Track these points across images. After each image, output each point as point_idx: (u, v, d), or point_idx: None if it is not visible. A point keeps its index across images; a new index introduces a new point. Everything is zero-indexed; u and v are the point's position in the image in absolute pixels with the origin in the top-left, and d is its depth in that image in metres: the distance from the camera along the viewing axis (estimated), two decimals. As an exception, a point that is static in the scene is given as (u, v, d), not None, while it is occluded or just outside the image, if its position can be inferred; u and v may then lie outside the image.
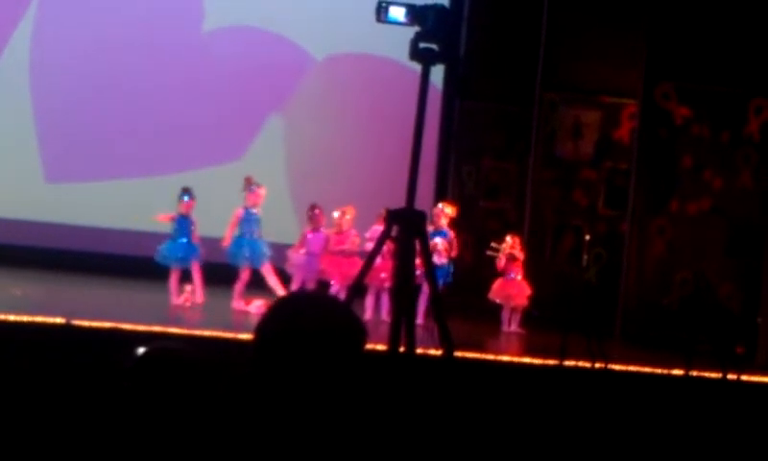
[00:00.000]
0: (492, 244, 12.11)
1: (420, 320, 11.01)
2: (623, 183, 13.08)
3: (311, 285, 11.73)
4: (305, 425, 2.62)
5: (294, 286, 11.58)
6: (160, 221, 11.59)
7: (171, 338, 8.33)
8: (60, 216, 14.10)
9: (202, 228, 11.68)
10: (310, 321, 2.68)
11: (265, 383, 2.65)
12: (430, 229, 11.04)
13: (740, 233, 12.35)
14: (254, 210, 11.63)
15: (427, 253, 6.19)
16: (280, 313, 2.73)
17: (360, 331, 2.75)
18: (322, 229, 11.88)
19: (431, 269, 6.43)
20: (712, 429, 8.17)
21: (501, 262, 12.01)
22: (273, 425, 2.62)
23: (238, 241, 11.55)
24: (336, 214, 11.83)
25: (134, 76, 14.35)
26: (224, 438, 2.65)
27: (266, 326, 2.71)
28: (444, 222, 11.76)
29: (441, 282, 10.54)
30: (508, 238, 12.13)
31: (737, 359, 10.47)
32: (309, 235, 11.86)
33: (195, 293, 11.55)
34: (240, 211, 11.60)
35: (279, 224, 12.18)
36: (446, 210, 11.88)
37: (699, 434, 8.11)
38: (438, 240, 11.36)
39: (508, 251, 12.00)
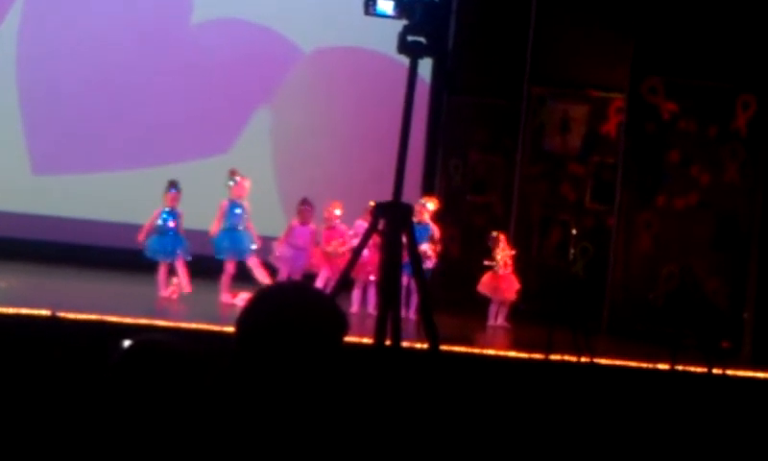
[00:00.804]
0: (497, 257, 12.09)
1: (410, 313, 11.12)
2: (610, 178, 13.10)
3: (297, 278, 11.73)
4: (287, 417, 2.62)
5: (280, 278, 11.58)
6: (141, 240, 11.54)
7: (157, 330, 8.32)
8: (46, 208, 14.07)
9: (188, 220, 11.67)
10: (290, 312, 2.68)
11: (247, 375, 2.64)
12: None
13: (727, 227, 12.38)
14: (240, 202, 11.62)
15: (413, 246, 6.18)
16: (261, 305, 2.73)
17: (340, 322, 2.75)
18: (310, 223, 11.89)
19: (418, 263, 6.43)
20: (698, 424, 8.19)
21: (500, 267, 12.04)
22: (255, 417, 2.62)
23: (221, 234, 11.55)
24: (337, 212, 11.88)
25: (122, 68, 14.32)
26: (208, 431, 2.64)
27: (247, 317, 2.71)
28: (426, 216, 11.76)
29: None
30: (501, 244, 12.09)
31: (723, 354, 10.49)
32: (296, 228, 11.86)
33: (181, 284, 11.54)
34: (225, 203, 11.60)
35: (266, 217, 12.17)
36: (428, 205, 11.89)
37: (685, 429, 8.13)
38: (425, 247, 11.35)
39: (502, 255, 12.02)
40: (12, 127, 14.22)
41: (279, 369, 2.62)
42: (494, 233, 12.22)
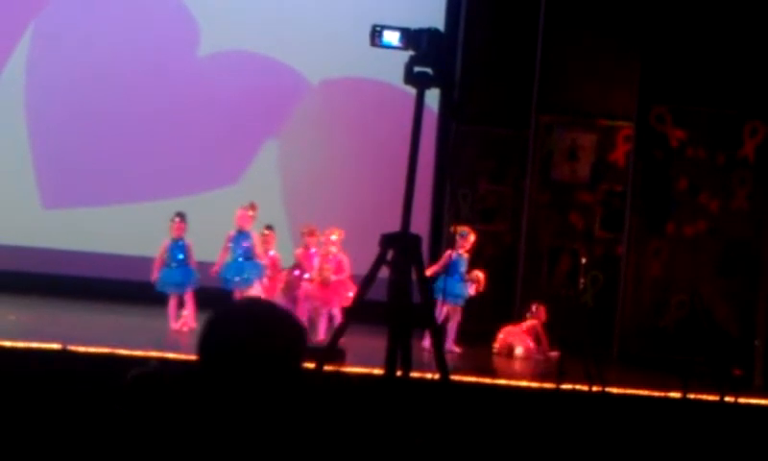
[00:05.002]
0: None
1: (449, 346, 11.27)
2: (619, 206, 13.09)
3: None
4: (254, 437, 2.62)
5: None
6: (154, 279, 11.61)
7: (150, 361, 8.31)
8: (56, 242, 14.10)
9: (199, 252, 11.68)
10: (246, 327, 2.67)
11: (213, 398, 2.64)
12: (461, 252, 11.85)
13: (734, 253, 12.36)
14: (245, 231, 11.63)
15: (423, 277, 6.17)
16: (216, 326, 2.73)
17: (298, 331, 2.74)
18: (270, 250, 11.90)
19: (428, 293, 6.42)
20: (710, 452, 8.15)
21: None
22: (226, 440, 2.61)
23: (225, 264, 11.57)
24: (333, 237, 11.82)
25: (130, 101, 14.37)
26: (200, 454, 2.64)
27: (205, 341, 2.71)
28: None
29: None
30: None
31: (735, 381, 10.45)
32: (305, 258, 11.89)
33: (188, 318, 11.54)
34: (230, 233, 11.63)
35: (276, 248, 12.16)
36: (471, 237, 12.04)
37: (697, 457, 8.09)
38: (480, 275, 12.00)
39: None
40: (21, 162, 14.26)
41: (244, 385, 2.62)
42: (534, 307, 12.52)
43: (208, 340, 2.69)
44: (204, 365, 2.67)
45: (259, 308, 2.80)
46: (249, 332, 2.66)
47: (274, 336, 2.68)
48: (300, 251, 12.00)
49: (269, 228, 11.91)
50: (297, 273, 11.83)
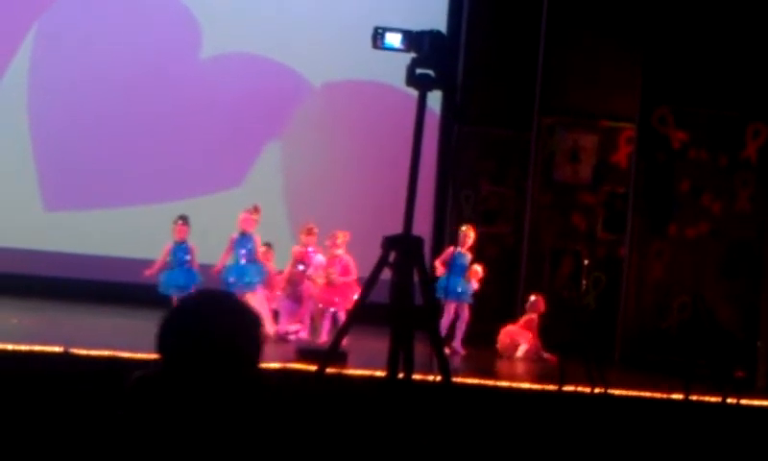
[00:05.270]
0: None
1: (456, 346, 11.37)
2: (621, 207, 13.09)
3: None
4: (216, 432, 2.62)
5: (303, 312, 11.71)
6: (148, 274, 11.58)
7: (150, 362, 8.30)
8: (58, 244, 14.10)
9: (202, 255, 11.67)
10: (202, 321, 2.68)
11: (175, 395, 2.64)
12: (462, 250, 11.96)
13: (736, 255, 12.36)
14: (248, 234, 11.62)
15: (425, 279, 6.16)
16: (171, 322, 2.73)
17: (254, 322, 2.74)
18: (309, 248, 11.93)
19: (430, 295, 6.41)
20: (713, 454, 8.14)
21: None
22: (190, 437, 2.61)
23: (228, 267, 11.56)
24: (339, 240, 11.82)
25: (132, 104, 14.38)
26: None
27: (161, 338, 2.71)
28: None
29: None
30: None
31: (737, 383, 10.44)
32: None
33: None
34: (233, 236, 11.63)
35: (278, 250, 12.17)
36: (471, 234, 12.08)
37: (699, 459, 8.09)
38: (478, 268, 12.09)
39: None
40: (23, 164, 14.27)
41: (202, 379, 2.62)
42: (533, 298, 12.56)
43: (164, 336, 2.70)
44: (164, 362, 2.68)
45: (215, 301, 2.80)
46: (204, 326, 2.66)
47: (229, 328, 2.68)
48: (297, 248, 12.00)
49: (267, 245, 11.90)
50: (300, 268, 11.84)
